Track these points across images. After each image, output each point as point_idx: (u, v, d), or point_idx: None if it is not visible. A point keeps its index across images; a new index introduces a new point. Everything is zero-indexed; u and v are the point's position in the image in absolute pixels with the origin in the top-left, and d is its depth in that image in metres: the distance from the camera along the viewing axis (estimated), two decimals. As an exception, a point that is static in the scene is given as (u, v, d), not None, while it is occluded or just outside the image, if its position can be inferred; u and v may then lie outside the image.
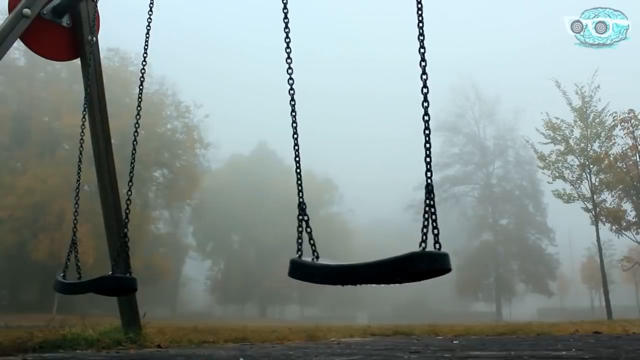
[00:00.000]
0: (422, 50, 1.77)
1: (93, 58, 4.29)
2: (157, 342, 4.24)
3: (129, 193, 3.28)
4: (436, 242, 1.64)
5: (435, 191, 1.69)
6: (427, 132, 1.74)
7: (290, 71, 2.18)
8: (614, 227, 21.64)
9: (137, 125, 3.39)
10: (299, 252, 1.94)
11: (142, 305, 4.56)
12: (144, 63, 3.54)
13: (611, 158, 21.51)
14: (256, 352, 3.62)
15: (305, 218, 1.99)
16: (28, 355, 3.14)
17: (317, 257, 1.89)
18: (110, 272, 3.30)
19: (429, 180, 1.69)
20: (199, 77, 62.63)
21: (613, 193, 21.93)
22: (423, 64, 1.77)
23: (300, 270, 1.89)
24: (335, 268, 1.80)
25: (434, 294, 54.55)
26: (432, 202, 1.66)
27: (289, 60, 2.19)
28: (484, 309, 47.55)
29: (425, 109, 1.75)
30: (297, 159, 2.14)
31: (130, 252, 3.32)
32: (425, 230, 1.63)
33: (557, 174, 22.10)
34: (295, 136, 2.14)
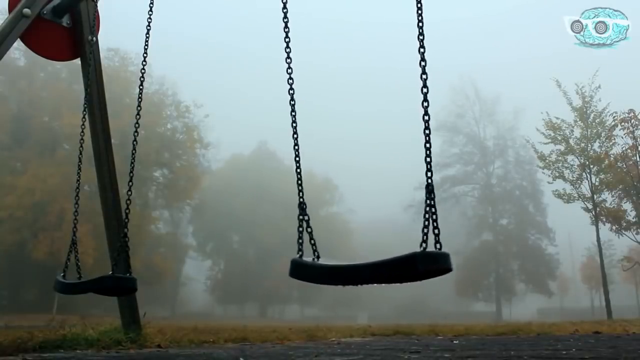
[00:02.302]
0: (421, 50, 1.78)
1: (93, 58, 4.29)
2: (157, 342, 4.24)
3: (129, 193, 3.27)
4: (437, 242, 1.63)
5: (435, 191, 1.69)
6: (427, 131, 1.75)
7: (290, 71, 2.18)
8: (614, 227, 21.64)
9: (137, 125, 3.38)
10: (300, 252, 1.93)
11: (142, 305, 4.56)
12: (144, 63, 3.54)
13: (611, 158, 21.50)
14: (256, 352, 3.62)
15: (306, 218, 1.99)
16: (28, 355, 3.14)
17: (318, 257, 1.88)
18: (110, 272, 3.30)
19: (429, 180, 1.69)
20: (199, 77, 62.66)
21: (613, 193, 21.93)
22: (423, 63, 1.77)
23: (301, 271, 1.89)
24: (336, 268, 1.79)
25: (434, 294, 54.53)
26: (432, 202, 1.66)
27: (288, 60, 2.19)
28: (484, 309, 47.52)
29: (425, 108, 1.75)
30: (297, 158, 2.13)
31: (131, 252, 3.32)
32: (425, 230, 1.63)
33: (557, 174, 22.09)
34: (295, 136, 2.13)
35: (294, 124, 2.13)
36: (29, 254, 28.41)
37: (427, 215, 1.64)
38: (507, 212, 48.89)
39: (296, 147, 2.14)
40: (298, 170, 2.12)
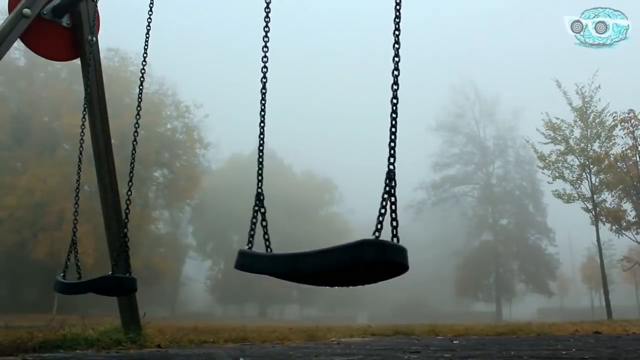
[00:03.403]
0: (397, 32, 1.74)
1: (93, 58, 4.29)
2: (157, 342, 4.24)
3: (129, 193, 3.28)
4: (394, 235, 1.52)
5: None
6: (394, 115, 1.69)
7: (265, 59, 2.16)
8: (614, 227, 21.63)
9: (137, 125, 3.39)
10: (249, 244, 1.84)
11: (142, 305, 4.56)
12: (144, 63, 3.54)
13: (611, 158, 21.49)
14: (256, 352, 3.62)
15: (262, 210, 1.91)
16: (28, 355, 3.14)
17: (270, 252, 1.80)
18: (110, 272, 3.31)
19: (390, 167, 1.60)
20: (199, 77, 62.67)
21: (613, 193, 21.92)
22: (397, 46, 1.73)
23: (246, 262, 1.79)
24: (281, 257, 1.69)
25: (433, 294, 54.58)
26: (392, 190, 1.56)
27: (265, 49, 2.18)
28: (484, 309, 47.51)
29: (395, 92, 1.71)
30: (261, 147, 2.10)
31: (130, 252, 3.32)
32: (381, 219, 1.52)
33: (557, 174, 22.08)
34: (262, 124, 2.12)
35: (263, 113, 2.12)
36: (29, 254, 28.39)
37: (384, 203, 1.54)
38: (507, 212, 48.89)
39: (261, 137, 2.11)
40: (260, 160, 2.08)
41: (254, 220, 1.89)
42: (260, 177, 2.01)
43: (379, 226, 1.51)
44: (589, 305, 52.10)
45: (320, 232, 51.11)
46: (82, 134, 3.81)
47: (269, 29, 2.19)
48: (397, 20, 1.75)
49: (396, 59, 1.72)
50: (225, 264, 54.67)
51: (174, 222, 45.78)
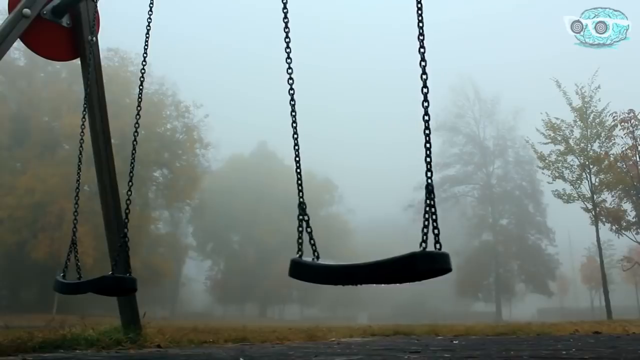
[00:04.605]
0: (422, 50, 1.78)
1: (93, 58, 4.28)
2: (157, 342, 4.23)
3: (129, 193, 3.27)
4: (437, 242, 1.65)
5: (435, 191, 1.70)
6: (427, 132, 1.75)
7: (290, 71, 2.18)
8: (614, 227, 21.65)
9: (137, 125, 3.38)
10: (300, 252, 1.94)
11: (142, 305, 4.56)
12: (144, 63, 3.54)
13: (611, 158, 21.50)
14: (256, 352, 3.62)
15: (306, 218, 2.00)
16: (28, 355, 3.14)
17: (318, 257, 1.90)
18: (110, 272, 3.30)
19: (429, 180, 1.69)
20: (199, 77, 62.69)
21: (613, 193, 21.93)
22: (423, 63, 1.78)
23: (301, 271, 1.91)
24: (336, 268, 1.81)
25: (434, 294, 54.57)
26: (432, 202, 1.67)
27: (288, 60, 2.19)
28: (484, 309, 47.53)
29: (426, 108, 1.76)
30: (297, 158, 2.14)
31: (130, 252, 3.31)
32: (425, 230, 1.64)
33: (557, 174, 22.10)
34: (295, 136, 2.13)
35: (294, 124, 2.13)
36: (28, 254, 28.40)
37: (427, 215, 1.65)
38: (507, 212, 48.89)
39: (296, 147, 2.14)
40: (298, 170, 2.12)
41: (300, 229, 1.99)
42: (300, 187, 2.09)
43: (424, 237, 1.64)
44: (589, 305, 52.11)
45: (320, 233, 50.86)
46: (82, 134, 3.81)
47: (289, 39, 2.21)
48: (421, 24, 1.81)
49: (424, 76, 1.78)
50: (225, 264, 54.72)
51: (173, 222, 45.79)
